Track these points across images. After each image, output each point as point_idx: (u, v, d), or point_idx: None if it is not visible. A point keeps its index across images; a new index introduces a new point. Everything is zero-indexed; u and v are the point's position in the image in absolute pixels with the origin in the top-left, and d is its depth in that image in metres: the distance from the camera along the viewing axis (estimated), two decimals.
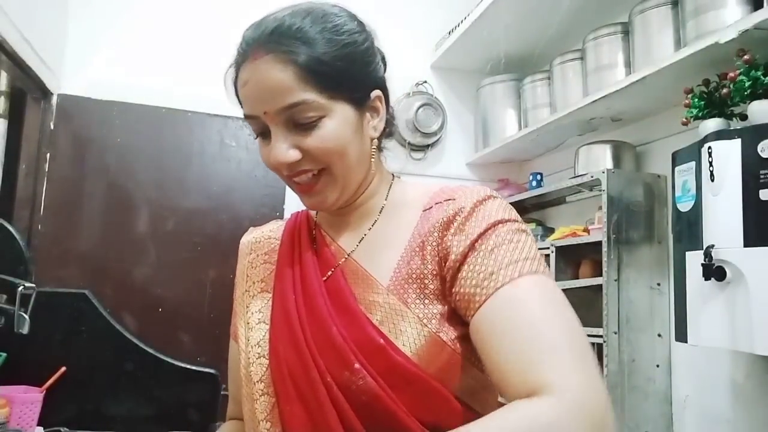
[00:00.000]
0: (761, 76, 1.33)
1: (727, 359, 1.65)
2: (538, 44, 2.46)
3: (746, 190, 1.28)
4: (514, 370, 0.57)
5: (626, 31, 1.88)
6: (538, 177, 2.45)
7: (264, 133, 0.74)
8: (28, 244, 2.07)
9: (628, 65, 1.87)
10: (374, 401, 0.64)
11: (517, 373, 0.57)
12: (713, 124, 1.43)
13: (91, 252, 2.29)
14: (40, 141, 2.27)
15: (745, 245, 1.28)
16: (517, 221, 0.69)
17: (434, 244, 0.69)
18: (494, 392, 0.71)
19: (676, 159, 1.53)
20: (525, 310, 0.60)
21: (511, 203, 0.72)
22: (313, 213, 0.85)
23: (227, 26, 2.55)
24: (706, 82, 1.48)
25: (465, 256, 0.66)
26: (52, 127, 2.30)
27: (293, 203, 2.57)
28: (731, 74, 1.37)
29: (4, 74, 2.11)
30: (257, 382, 0.72)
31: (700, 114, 1.46)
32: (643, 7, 1.76)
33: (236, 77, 0.75)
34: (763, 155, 1.26)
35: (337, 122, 0.70)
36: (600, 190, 1.88)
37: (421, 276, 0.69)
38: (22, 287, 0.65)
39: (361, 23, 0.76)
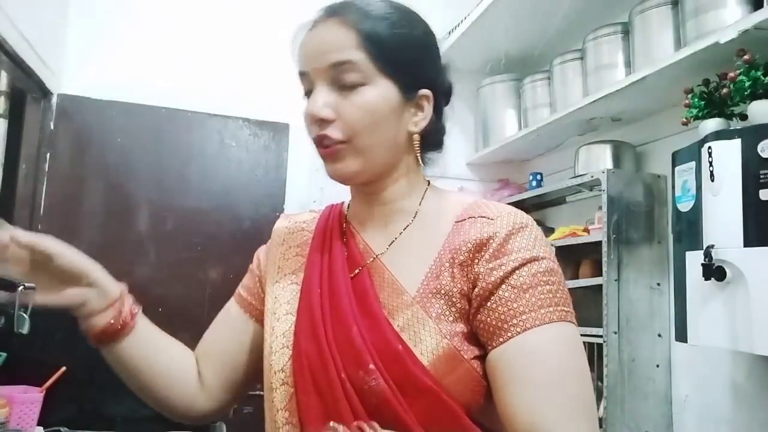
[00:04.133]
0: (761, 76, 1.33)
1: (727, 359, 1.65)
2: (538, 44, 2.46)
3: (746, 190, 1.28)
4: (523, 413, 0.61)
5: (626, 31, 1.88)
6: (538, 177, 2.45)
7: (309, 92, 0.75)
8: None
9: (628, 65, 1.87)
10: (384, 405, 0.65)
11: (525, 416, 0.61)
12: (713, 124, 1.42)
13: (91, 252, 2.28)
14: (40, 141, 2.27)
15: (745, 245, 1.28)
16: (551, 259, 0.71)
17: (465, 264, 0.70)
18: None
19: (676, 159, 1.53)
20: (545, 363, 0.63)
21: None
22: (345, 207, 0.85)
23: (228, 27, 2.57)
24: (706, 82, 1.48)
25: (495, 287, 0.67)
26: (52, 127, 2.30)
27: (293, 203, 2.57)
28: (731, 74, 1.37)
29: (4, 74, 2.11)
30: (278, 371, 0.73)
31: (700, 114, 1.46)
32: (643, 7, 1.76)
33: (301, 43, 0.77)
34: (763, 155, 1.26)
35: (377, 94, 0.71)
36: (600, 190, 1.88)
37: (449, 293, 0.69)
38: (22, 287, 0.65)
39: (431, 31, 0.79)
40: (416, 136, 0.76)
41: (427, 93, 0.76)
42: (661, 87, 1.71)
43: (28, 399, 1.43)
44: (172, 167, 2.43)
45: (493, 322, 0.66)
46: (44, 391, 1.55)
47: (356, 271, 0.75)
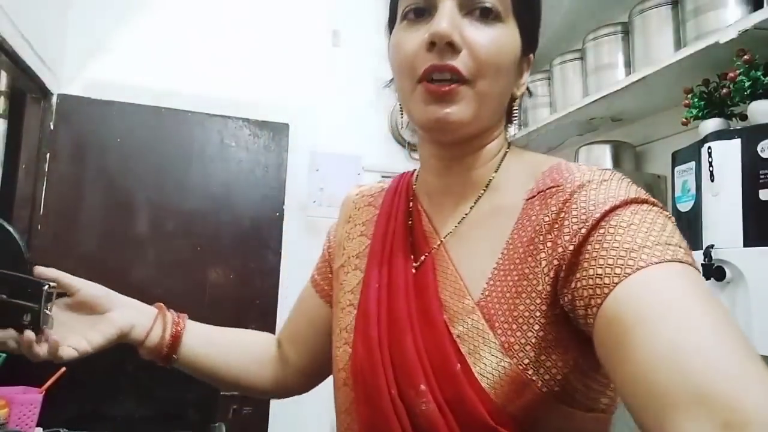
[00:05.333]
0: (761, 76, 1.32)
1: None
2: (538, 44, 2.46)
3: (746, 190, 1.28)
4: (671, 381, 0.40)
5: (626, 31, 1.88)
6: None
7: (420, 10, 0.61)
8: (28, 244, 2.06)
9: (628, 65, 1.87)
10: None
11: (679, 387, 0.39)
12: (713, 124, 1.42)
13: (91, 252, 2.29)
14: (40, 141, 2.27)
15: (745, 245, 1.28)
16: (655, 204, 0.55)
17: (539, 251, 0.56)
18: None
19: (676, 159, 1.52)
20: (678, 299, 0.44)
21: None
22: (414, 178, 0.74)
23: (227, 27, 2.57)
24: (706, 82, 1.47)
25: (583, 242, 0.52)
26: (51, 127, 2.30)
27: (293, 203, 2.57)
28: (731, 74, 1.37)
29: (3, 74, 2.11)
30: (340, 369, 0.67)
31: (700, 114, 1.46)
32: (643, 7, 1.76)
33: None
34: (763, 155, 1.26)
35: (509, 36, 0.62)
36: None
37: (518, 293, 0.57)
38: (47, 286, 0.66)
39: None
40: (517, 101, 0.67)
41: (532, 58, 0.67)
42: (661, 87, 1.71)
43: (28, 400, 1.43)
44: (172, 167, 2.43)
45: (590, 282, 0.50)
46: (44, 392, 1.54)
47: (422, 258, 0.65)
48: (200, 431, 1.72)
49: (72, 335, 0.68)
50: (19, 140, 2.23)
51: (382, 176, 2.62)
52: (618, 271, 0.48)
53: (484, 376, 0.56)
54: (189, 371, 0.79)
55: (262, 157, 2.56)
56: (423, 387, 0.57)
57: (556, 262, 0.55)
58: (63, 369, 1.62)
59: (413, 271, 0.65)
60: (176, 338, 0.75)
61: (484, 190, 0.66)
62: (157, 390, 1.74)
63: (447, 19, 0.58)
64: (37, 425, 1.50)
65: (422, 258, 0.65)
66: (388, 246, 0.68)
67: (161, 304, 0.79)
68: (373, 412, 0.60)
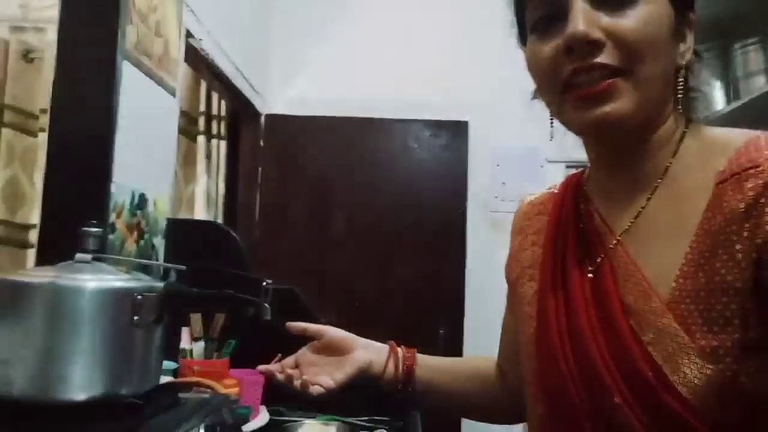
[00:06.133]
0: None
1: None
2: (748, 4, 2.14)
3: None
4: None
5: None
6: None
7: (549, 19, 0.57)
8: (248, 247, 2.39)
9: None
10: None
11: None
12: None
13: (297, 250, 2.57)
14: (253, 156, 2.62)
15: None
16: None
17: (732, 246, 0.51)
18: None
19: None
20: None
21: None
22: (585, 177, 0.70)
23: (408, 35, 2.68)
24: None
25: None
26: (261, 143, 2.63)
27: (476, 200, 2.59)
28: None
29: (223, 102, 2.47)
30: (530, 384, 0.64)
31: None
32: None
33: None
34: None
35: (655, 10, 0.55)
36: None
37: (712, 290, 0.51)
38: (265, 283, 0.80)
39: None
40: (683, 72, 0.59)
41: (692, 17, 0.59)
42: None
43: (254, 380, 1.65)
44: (363, 172, 2.62)
45: None
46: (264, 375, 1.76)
47: (597, 260, 0.60)
48: (400, 416, 1.81)
49: (320, 374, 0.78)
50: (237, 157, 2.60)
51: (567, 166, 2.50)
52: None
53: (685, 385, 0.51)
54: (428, 400, 0.83)
55: (443, 156, 2.63)
56: (617, 400, 0.53)
57: (755, 255, 0.49)
58: (279, 355, 1.83)
59: (589, 275, 0.61)
60: (409, 372, 0.80)
61: (660, 179, 0.59)
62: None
63: (581, 18, 0.54)
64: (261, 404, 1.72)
65: (598, 261, 0.60)
66: (560, 252, 0.65)
67: (392, 342, 0.85)
68: (569, 427, 0.58)
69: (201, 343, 1.19)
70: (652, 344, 0.53)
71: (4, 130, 1.63)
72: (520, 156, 2.64)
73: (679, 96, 0.59)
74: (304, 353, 0.82)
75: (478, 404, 0.83)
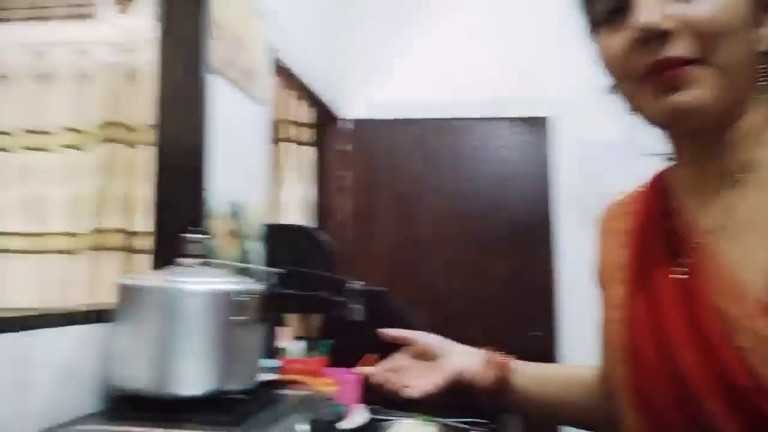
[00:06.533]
0: None
1: None
2: None
3: None
4: None
5: None
6: None
7: (616, 10, 0.55)
8: (336, 249, 2.45)
9: None
10: None
11: None
12: None
13: (385, 252, 2.60)
14: (339, 161, 2.68)
15: None
16: None
17: None
18: None
19: None
20: None
21: None
22: (669, 175, 0.66)
23: (486, 34, 2.64)
24: None
25: None
26: (347, 148, 2.69)
27: (564, 196, 2.50)
28: None
29: (310, 110, 2.55)
30: (621, 391, 0.61)
31: None
32: None
33: None
34: None
35: None
36: None
37: None
38: (355, 285, 0.81)
39: None
40: (765, 57, 0.55)
41: None
42: None
43: (351, 379, 1.68)
44: (447, 173, 2.61)
45: None
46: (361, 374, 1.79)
47: (685, 261, 0.58)
48: (497, 419, 1.78)
49: (416, 378, 0.78)
50: (324, 162, 2.67)
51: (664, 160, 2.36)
52: None
53: None
54: (528, 410, 0.81)
55: (526, 153, 2.56)
56: (712, 410, 0.50)
57: None
58: (377, 356, 1.85)
59: (678, 277, 0.57)
60: (505, 380, 0.79)
61: (750, 171, 0.55)
62: None
63: (649, 6, 0.51)
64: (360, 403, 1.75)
65: (686, 261, 0.57)
66: (647, 253, 0.61)
67: (489, 348, 0.83)
68: None
69: (301, 343, 1.23)
70: (747, 350, 0.49)
71: (115, 145, 1.77)
72: (607, 150, 2.52)
73: (763, 83, 0.55)
74: (402, 356, 0.82)
75: (577, 413, 0.80)
